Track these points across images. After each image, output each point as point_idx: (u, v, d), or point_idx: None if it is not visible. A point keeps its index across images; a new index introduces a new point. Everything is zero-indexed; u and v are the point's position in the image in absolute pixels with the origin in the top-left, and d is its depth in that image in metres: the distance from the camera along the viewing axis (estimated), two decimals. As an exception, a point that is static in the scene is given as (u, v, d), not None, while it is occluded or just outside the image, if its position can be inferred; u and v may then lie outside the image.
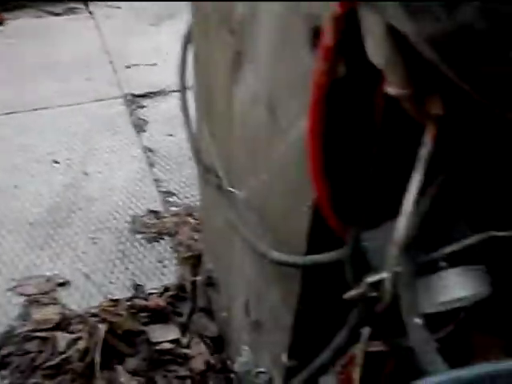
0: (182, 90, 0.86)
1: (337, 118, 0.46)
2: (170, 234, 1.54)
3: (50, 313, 1.26)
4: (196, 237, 1.48)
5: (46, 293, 1.31)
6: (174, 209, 1.63)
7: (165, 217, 1.60)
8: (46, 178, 1.67)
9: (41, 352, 1.18)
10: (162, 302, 1.29)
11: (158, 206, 1.63)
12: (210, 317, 1.30)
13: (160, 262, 1.45)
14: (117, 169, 1.76)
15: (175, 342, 1.22)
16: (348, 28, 0.39)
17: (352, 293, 0.45)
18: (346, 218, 0.51)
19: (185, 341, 1.23)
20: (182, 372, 1.17)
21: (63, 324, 1.24)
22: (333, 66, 0.42)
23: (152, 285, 1.37)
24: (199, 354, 1.20)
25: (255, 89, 0.62)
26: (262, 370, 0.90)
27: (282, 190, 0.61)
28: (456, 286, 0.38)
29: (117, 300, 1.28)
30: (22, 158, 1.75)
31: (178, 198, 1.67)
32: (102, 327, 1.15)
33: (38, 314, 1.25)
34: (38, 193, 1.61)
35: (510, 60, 0.21)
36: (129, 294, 1.32)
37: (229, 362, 1.20)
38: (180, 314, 1.30)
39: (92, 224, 1.53)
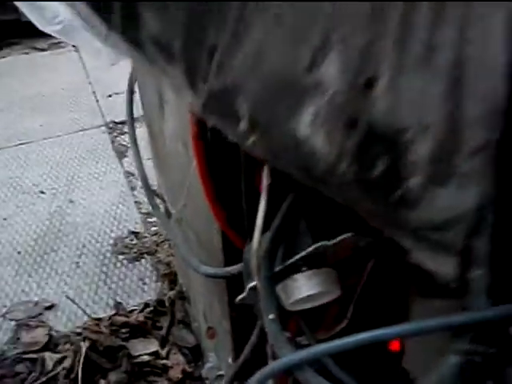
0: (130, 119, 0.95)
1: (218, 152, 0.55)
2: (150, 253, 1.63)
3: (39, 335, 1.35)
4: (175, 254, 1.57)
5: (34, 316, 1.41)
6: (154, 229, 1.73)
7: (145, 237, 1.69)
8: (32, 209, 1.78)
9: (30, 372, 1.27)
10: (141, 317, 1.38)
11: (139, 227, 1.73)
12: (189, 328, 1.39)
13: (141, 279, 1.54)
14: (100, 194, 1.86)
15: (154, 354, 1.31)
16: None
17: (239, 297, 0.53)
18: (245, 235, 0.60)
19: (163, 352, 1.32)
20: (161, 382, 1.26)
21: (51, 345, 1.33)
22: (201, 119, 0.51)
23: (133, 302, 1.46)
24: (176, 364, 1.28)
25: (174, 126, 0.72)
26: (221, 373, 0.98)
27: (201, 213, 0.70)
28: (304, 286, 0.46)
29: (99, 319, 1.37)
30: (9, 190, 1.87)
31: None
32: (84, 345, 1.24)
33: (27, 337, 1.35)
34: (26, 223, 1.72)
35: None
36: (111, 313, 1.41)
37: (204, 370, 1.28)
38: (160, 328, 1.39)
39: (77, 249, 1.63)
